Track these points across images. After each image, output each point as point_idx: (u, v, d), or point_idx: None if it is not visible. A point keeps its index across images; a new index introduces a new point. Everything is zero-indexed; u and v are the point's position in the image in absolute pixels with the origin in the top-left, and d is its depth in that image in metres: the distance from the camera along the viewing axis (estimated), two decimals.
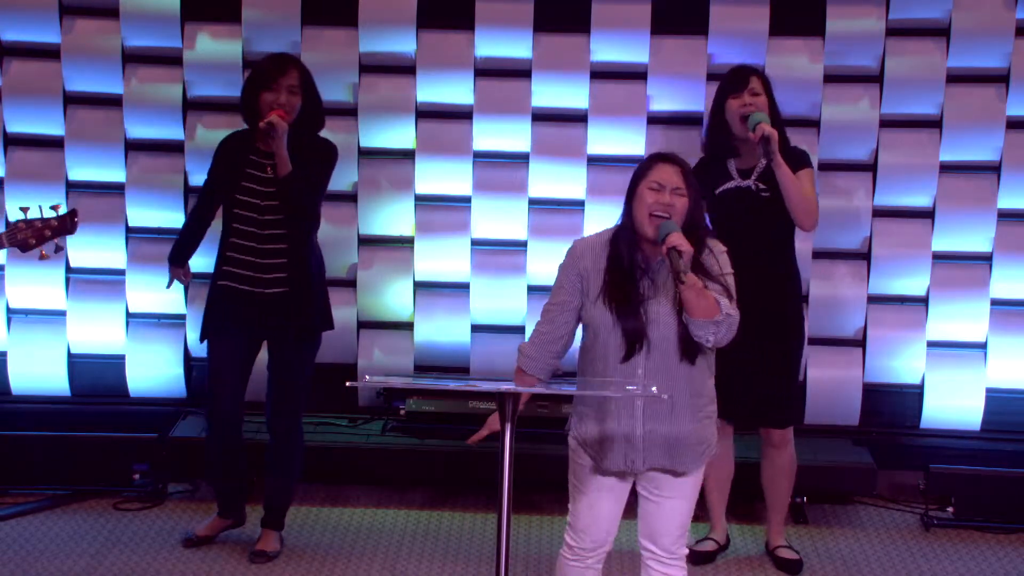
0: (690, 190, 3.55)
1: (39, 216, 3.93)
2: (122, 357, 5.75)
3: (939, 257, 5.60)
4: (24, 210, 3.92)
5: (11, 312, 5.77)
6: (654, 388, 3.36)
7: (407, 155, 5.69)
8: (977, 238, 5.59)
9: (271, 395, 4.82)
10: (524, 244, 5.68)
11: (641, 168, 3.62)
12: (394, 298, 5.75)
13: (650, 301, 3.55)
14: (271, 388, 4.81)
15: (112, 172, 5.71)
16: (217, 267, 4.74)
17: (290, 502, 4.98)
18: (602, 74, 5.60)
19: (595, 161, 5.65)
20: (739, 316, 3.53)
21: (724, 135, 4.74)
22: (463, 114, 5.66)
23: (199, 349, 4.93)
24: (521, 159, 5.65)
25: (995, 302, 5.60)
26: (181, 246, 4.93)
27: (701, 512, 5.24)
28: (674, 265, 3.40)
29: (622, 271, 3.56)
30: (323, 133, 5.60)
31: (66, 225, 3.97)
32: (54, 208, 3.95)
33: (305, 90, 4.68)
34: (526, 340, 3.78)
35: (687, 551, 3.83)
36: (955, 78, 5.52)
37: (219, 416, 4.82)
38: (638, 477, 3.69)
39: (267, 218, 4.65)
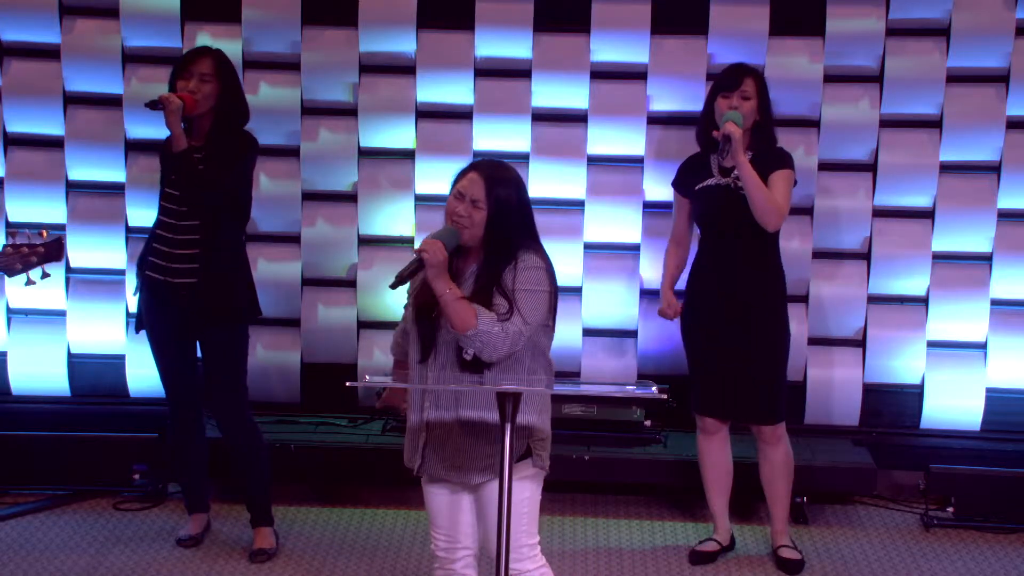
0: (491, 202, 3.46)
1: (27, 241, 3.91)
2: (122, 357, 5.75)
3: (939, 257, 5.59)
4: (12, 234, 3.90)
5: (11, 312, 5.78)
6: (654, 387, 3.33)
7: (407, 155, 5.69)
8: (977, 238, 5.58)
9: (207, 391, 4.85)
10: None
11: (456, 175, 3.57)
12: (394, 298, 5.72)
13: None
14: (206, 383, 4.84)
15: (112, 172, 5.71)
16: (142, 258, 4.79)
17: (267, 495, 4.96)
18: (602, 74, 5.60)
19: (595, 161, 5.65)
20: (507, 335, 3.41)
21: (710, 132, 4.78)
22: (463, 114, 5.66)
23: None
24: (521, 159, 5.64)
25: (995, 302, 5.60)
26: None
27: (704, 512, 5.27)
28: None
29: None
30: (324, 133, 5.61)
31: (52, 252, 3.94)
32: (41, 234, 3.93)
33: (221, 80, 4.68)
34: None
35: (539, 567, 3.65)
36: (955, 78, 5.52)
37: (174, 415, 4.89)
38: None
39: (183, 209, 4.67)
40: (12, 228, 3.94)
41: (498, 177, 3.50)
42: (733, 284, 4.76)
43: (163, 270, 4.71)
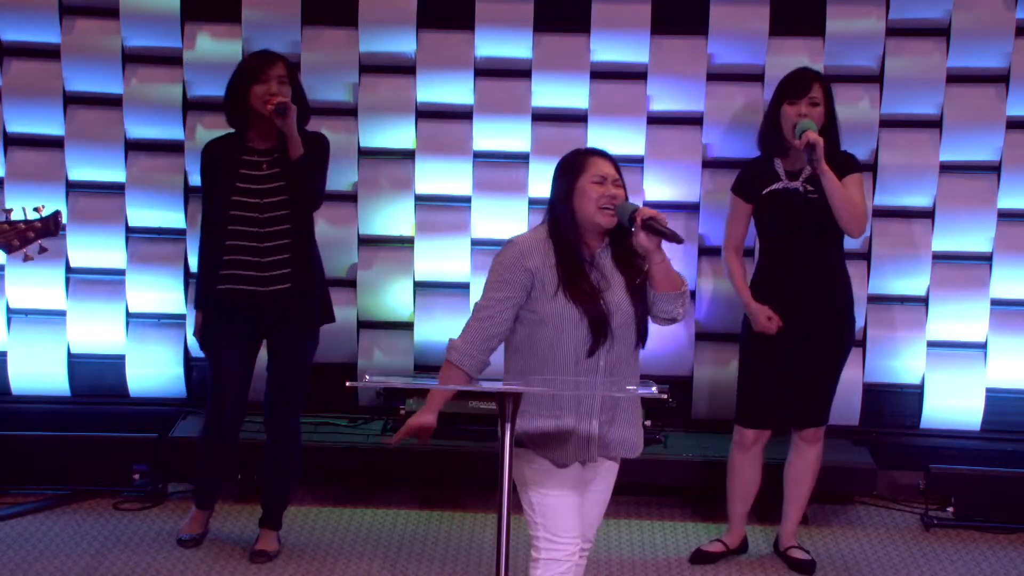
0: (623, 179, 3.64)
1: (23, 218, 3.91)
2: (122, 357, 5.75)
3: (939, 257, 5.60)
4: (7, 211, 3.89)
5: (11, 312, 5.77)
6: (654, 387, 3.33)
7: (407, 155, 5.69)
8: (977, 238, 5.59)
9: (270, 393, 4.82)
10: None
11: (574, 164, 3.62)
12: (394, 298, 5.75)
13: (604, 292, 3.57)
14: (271, 386, 4.81)
15: (112, 172, 5.71)
16: (211, 272, 4.69)
17: (288, 501, 4.98)
18: (602, 74, 5.60)
19: None
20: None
21: (776, 137, 4.73)
22: (463, 114, 5.66)
23: (199, 349, 4.94)
24: (521, 159, 5.65)
25: (995, 302, 5.60)
26: (208, 282, 4.75)
27: (703, 511, 5.26)
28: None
29: (575, 265, 3.56)
30: (324, 133, 5.61)
31: (49, 227, 3.93)
32: (37, 210, 3.92)
33: (292, 82, 4.69)
34: None
35: None
36: (955, 78, 5.52)
37: (221, 421, 4.83)
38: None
39: (267, 215, 4.63)
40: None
41: (614, 157, 3.67)
42: (804, 288, 4.72)
43: (251, 280, 4.63)
